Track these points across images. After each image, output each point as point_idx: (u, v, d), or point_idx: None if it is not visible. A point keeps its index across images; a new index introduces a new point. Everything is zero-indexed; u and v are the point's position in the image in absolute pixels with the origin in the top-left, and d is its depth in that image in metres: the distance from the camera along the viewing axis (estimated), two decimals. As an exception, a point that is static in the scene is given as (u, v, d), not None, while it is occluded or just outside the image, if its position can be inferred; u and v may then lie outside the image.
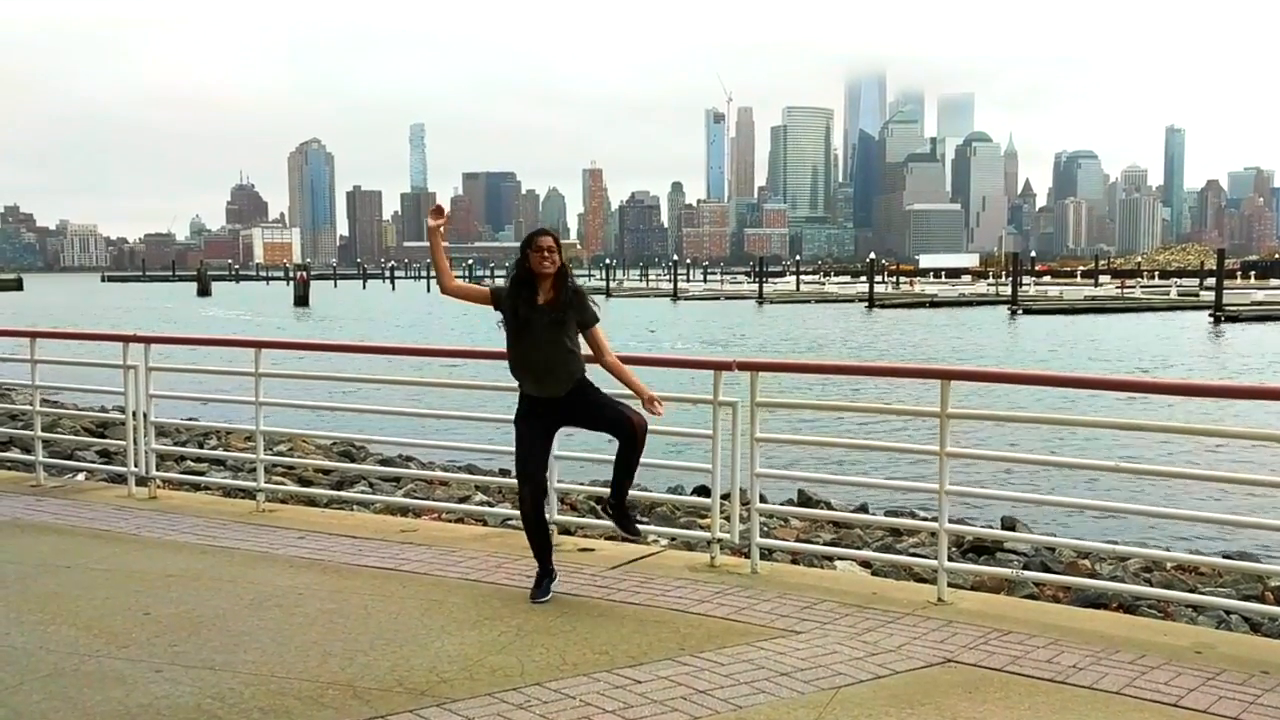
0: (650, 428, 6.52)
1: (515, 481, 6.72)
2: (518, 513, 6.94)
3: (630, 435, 6.45)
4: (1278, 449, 16.66)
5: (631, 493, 7.26)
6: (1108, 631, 6.04)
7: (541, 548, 6.64)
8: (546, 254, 6.38)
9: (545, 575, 6.63)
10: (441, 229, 6.76)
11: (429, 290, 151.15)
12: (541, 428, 6.61)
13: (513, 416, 6.66)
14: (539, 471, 6.59)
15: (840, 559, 9.46)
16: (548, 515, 7.03)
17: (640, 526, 7.21)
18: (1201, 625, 8.08)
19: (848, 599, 6.58)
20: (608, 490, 6.95)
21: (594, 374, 6.67)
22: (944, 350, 46.71)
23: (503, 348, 6.64)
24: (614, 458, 6.64)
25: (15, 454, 12.69)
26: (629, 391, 6.68)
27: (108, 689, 5.11)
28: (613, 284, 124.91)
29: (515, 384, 6.65)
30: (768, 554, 7.61)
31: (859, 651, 5.65)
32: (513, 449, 6.63)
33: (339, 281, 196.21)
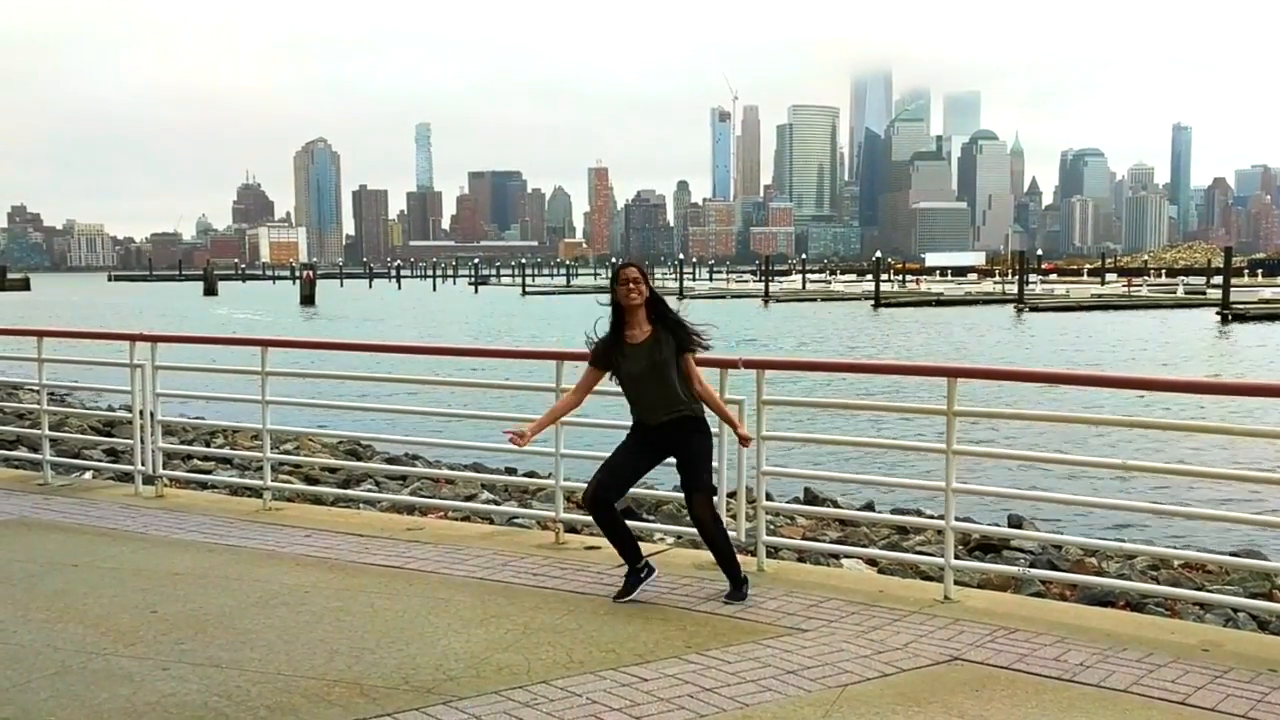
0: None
1: (522, 481, 6.73)
2: (524, 511, 6.95)
3: (696, 518, 6.50)
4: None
5: (636, 491, 7.26)
6: (1115, 629, 6.03)
7: (618, 541, 6.60)
8: (632, 285, 6.36)
9: (630, 573, 6.61)
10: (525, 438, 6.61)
11: (434, 290, 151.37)
12: (641, 447, 6.57)
13: (518, 415, 6.68)
14: (609, 476, 6.51)
15: (846, 557, 9.44)
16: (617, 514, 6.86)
17: (645, 525, 7.21)
18: (1209, 623, 8.05)
19: (854, 597, 6.57)
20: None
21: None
22: (949, 348, 46.64)
23: (504, 345, 6.65)
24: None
25: (23, 453, 12.72)
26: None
27: (115, 687, 5.12)
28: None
29: (520, 381, 6.67)
30: (774, 552, 7.61)
31: (865, 650, 5.64)
32: (515, 448, 6.61)
33: (345, 281, 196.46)
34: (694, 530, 9.06)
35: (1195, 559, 9.63)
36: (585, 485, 9.52)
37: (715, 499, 7.23)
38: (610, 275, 6.57)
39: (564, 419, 7.23)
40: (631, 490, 6.91)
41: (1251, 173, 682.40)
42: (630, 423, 6.64)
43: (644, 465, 6.65)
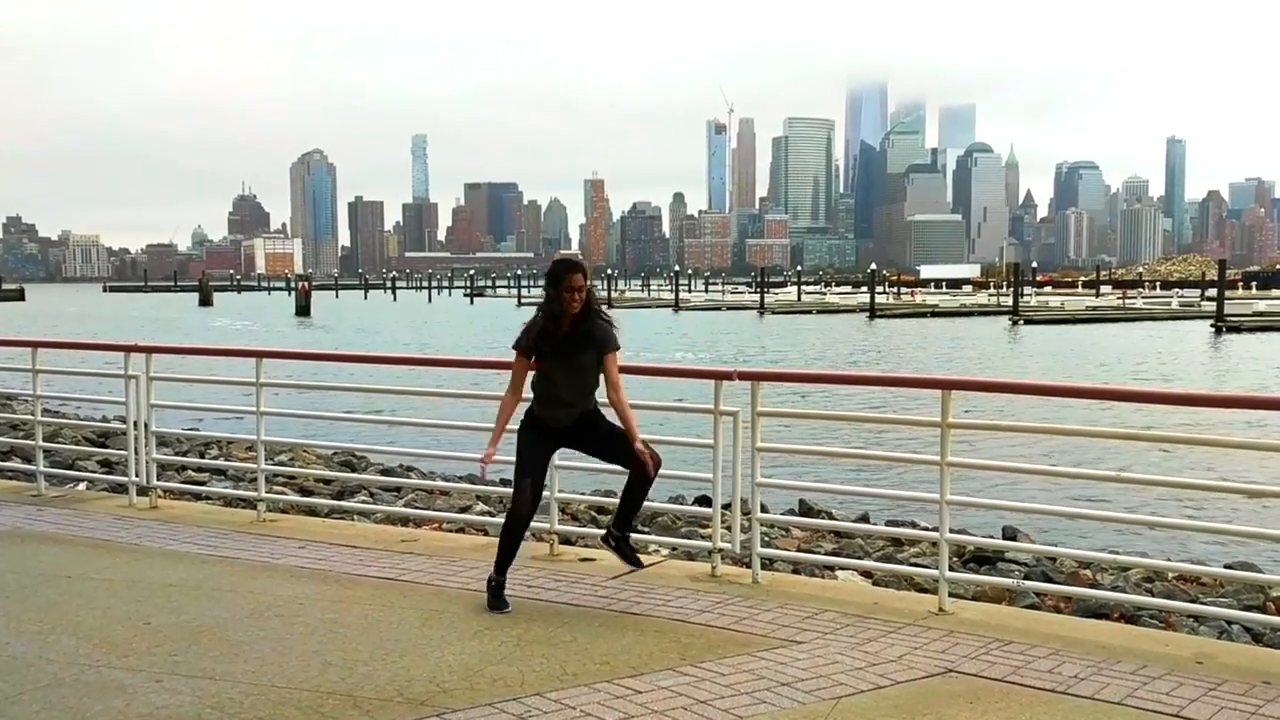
0: (651, 436, 6.52)
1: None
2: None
3: (644, 471, 6.49)
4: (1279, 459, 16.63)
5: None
6: (1109, 642, 6.03)
7: (512, 554, 6.62)
8: (578, 294, 6.37)
9: (503, 584, 6.61)
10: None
11: (430, 301, 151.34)
12: (547, 443, 6.69)
13: (512, 427, 6.67)
14: (541, 476, 6.66)
15: (841, 569, 9.45)
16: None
17: (640, 537, 7.21)
18: (1203, 635, 8.06)
19: (849, 609, 6.57)
20: (605, 503, 6.94)
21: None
22: (944, 360, 46.68)
23: (501, 356, 6.67)
24: (623, 488, 6.66)
25: (16, 464, 12.69)
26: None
27: (108, 699, 5.11)
28: (614, 294, 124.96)
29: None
30: (769, 564, 7.61)
31: (860, 662, 5.64)
32: (510, 459, 6.62)
33: (341, 292, 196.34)
34: (689, 542, 9.09)
35: (1190, 571, 9.63)
36: (575, 497, 9.52)
37: (710, 509, 7.24)
38: (549, 273, 6.47)
39: (555, 461, 7.22)
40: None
41: (1246, 186, 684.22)
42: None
43: (549, 459, 6.88)
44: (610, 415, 6.64)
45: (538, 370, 6.55)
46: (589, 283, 6.50)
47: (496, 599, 6.55)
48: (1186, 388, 30.81)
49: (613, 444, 6.55)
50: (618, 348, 6.49)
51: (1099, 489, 15.16)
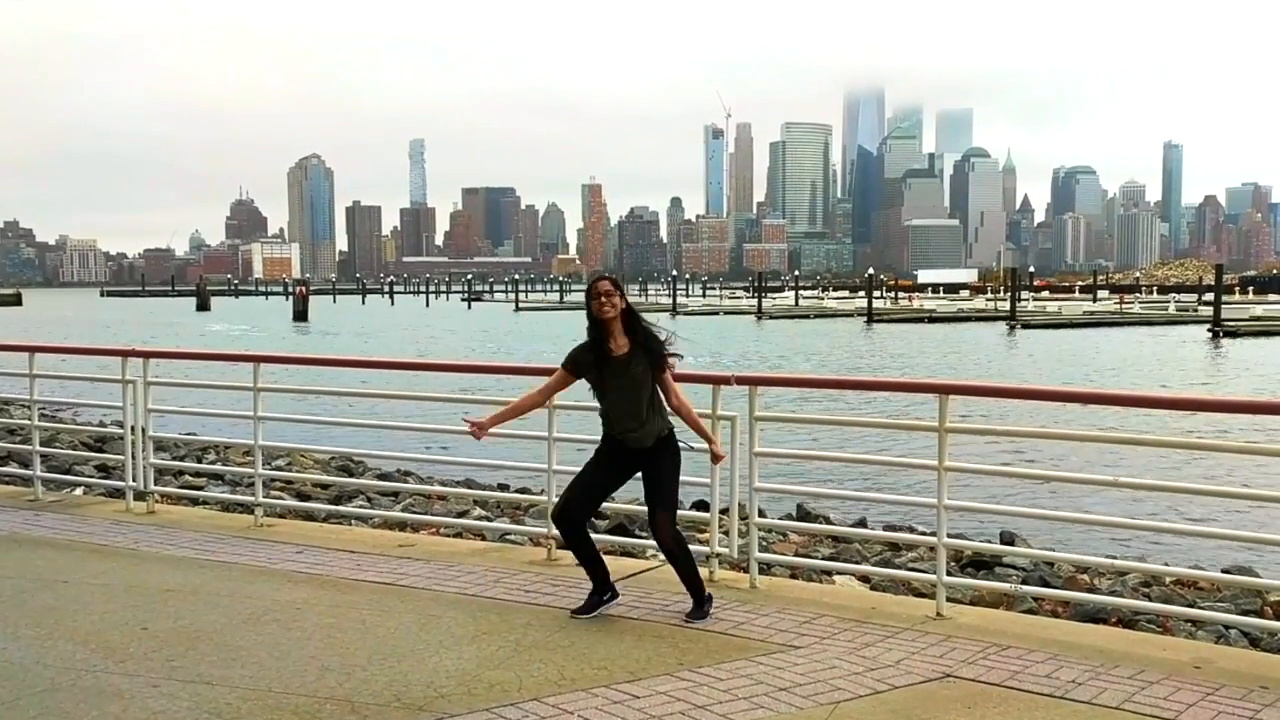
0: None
1: (513, 497, 6.70)
2: (516, 527, 6.92)
3: (659, 538, 6.46)
4: (1276, 463, 16.65)
5: (629, 507, 7.26)
6: (1107, 646, 6.03)
7: (583, 563, 6.58)
8: (605, 298, 6.34)
9: (593, 592, 6.59)
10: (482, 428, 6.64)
11: (428, 305, 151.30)
12: (612, 463, 6.52)
13: (510, 432, 6.66)
14: (580, 493, 6.48)
15: (839, 574, 9.45)
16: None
17: (637, 541, 7.18)
18: (1201, 640, 8.06)
19: (846, 614, 6.57)
20: (603, 508, 6.87)
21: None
22: (942, 365, 46.70)
23: (500, 361, 6.64)
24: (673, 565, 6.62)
25: (13, 468, 12.67)
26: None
27: (105, 704, 5.10)
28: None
29: (513, 397, 6.66)
30: (766, 569, 7.60)
31: (858, 667, 5.64)
32: (509, 464, 6.63)
33: (338, 296, 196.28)
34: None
35: (1187, 575, 9.64)
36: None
37: (708, 514, 7.24)
38: (586, 289, 6.55)
39: (557, 436, 7.22)
40: (625, 507, 6.91)
41: (1242, 190, 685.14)
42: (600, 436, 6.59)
43: (614, 482, 6.62)
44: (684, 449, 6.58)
45: (604, 401, 6.46)
46: (621, 292, 6.43)
47: (586, 604, 6.53)
48: (1184, 392, 30.82)
49: (660, 489, 6.41)
50: (667, 364, 6.40)
51: (1096, 493, 15.16)
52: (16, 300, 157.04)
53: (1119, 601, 8.18)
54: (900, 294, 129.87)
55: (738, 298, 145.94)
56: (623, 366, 6.34)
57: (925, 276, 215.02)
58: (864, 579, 9.47)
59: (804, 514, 13.81)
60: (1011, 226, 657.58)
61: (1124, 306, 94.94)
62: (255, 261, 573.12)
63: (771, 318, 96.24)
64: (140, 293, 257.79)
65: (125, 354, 9.77)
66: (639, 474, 6.52)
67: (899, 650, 5.90)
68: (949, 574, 7.11)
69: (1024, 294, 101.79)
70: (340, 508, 12.38)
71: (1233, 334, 63.39)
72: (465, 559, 7.94)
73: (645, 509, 6.61)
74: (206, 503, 10.92)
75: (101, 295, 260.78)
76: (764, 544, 8.05)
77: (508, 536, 9.35)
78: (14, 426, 17.25)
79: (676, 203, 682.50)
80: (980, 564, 11.00)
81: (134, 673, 5.52)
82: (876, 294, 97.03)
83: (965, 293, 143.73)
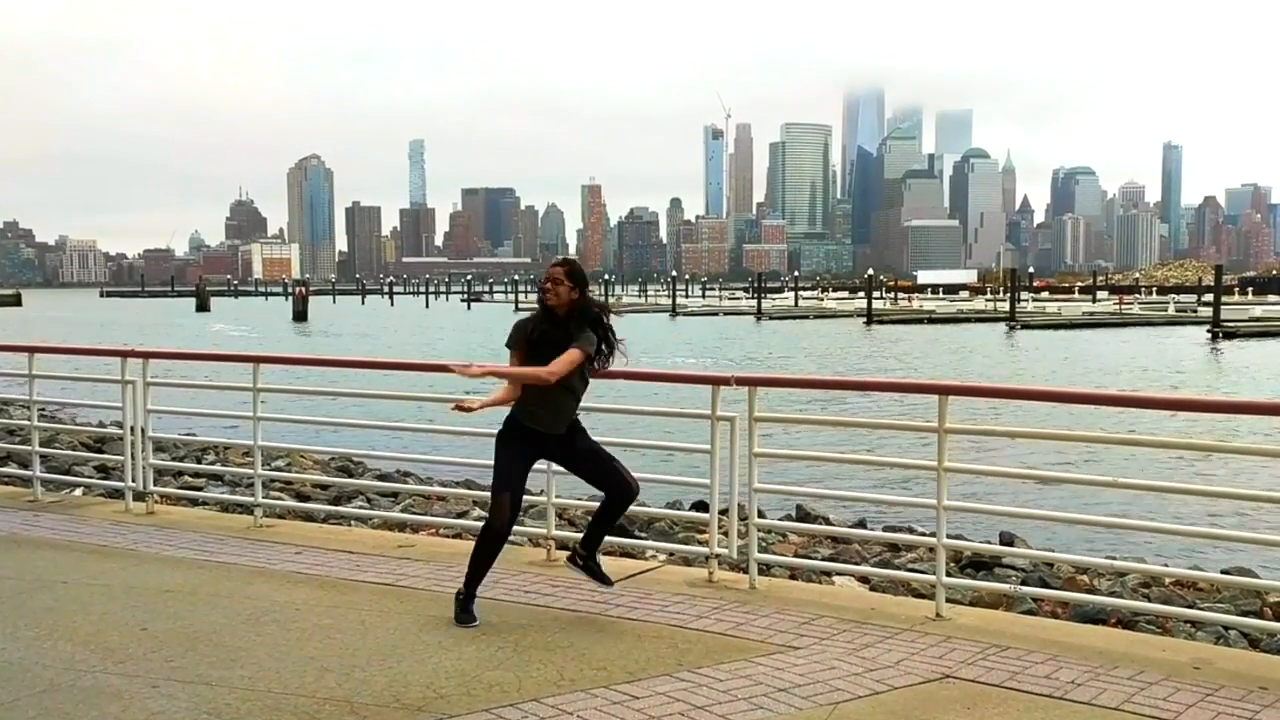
0: (649, 442, 6.51)
1: None
2: (515, 528, 6.88)
3: (624, 496, 6.44)
4: (1275, 464, 16.65)
5: (630, 508, 7.25)
6: (1106, 647, 6.03)
7: (485, 570, 6.41)
8: (549, 284, 6.30)
9: (472, 598, 6.40)
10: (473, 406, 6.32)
11: (427, 306, 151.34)
12: (530, 453, 6.49)
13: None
14: (521, 489, 6.47)
15: (838, 574, 9.45)
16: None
17: (637, 542, 7.18)
18: (1200, 641, 8.06)
19: (846, 614, 6.57)
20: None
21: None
22: (942, 365, 46.70)
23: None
24: (599, 507, 6.59)
25: (13, 469, 12.67)
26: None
27: (104, 705, 5.10)
28: (611, 300, 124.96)
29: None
30: (766, 569, 7.60)
31: (857, 667, 5.64)
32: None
33: (338, 297, 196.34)
34: (686, 548, 9.08)
35: (1187, 576, 9.64)
36: (572, 502, 9.49)
37: (708, 515, 7.22)
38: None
39: (554, 467, 7.19)
40: (631, 507, 6.88)
41: (1242, 191, 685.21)
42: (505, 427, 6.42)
43: (528, 471, 6.55)
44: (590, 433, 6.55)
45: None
46: (577, 284, 6.29)
47: (465, 613, 6.30)
48: (1182, 393, 30.81)
49: (598, 463, 6.41)
50: (582, 346, 6.18)
51: (1096, 494, 15.16)
52: (16, 301, 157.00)
53: (1118, 602, 8.18)
54: (900, 295, 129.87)
55: (737, 298, 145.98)
56: (549, 345, 6.18)
57: (925, 277, 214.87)
58: (863, 580, 9.48)
59: (803, 515, 13.82)
60: (1011, 227, 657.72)
61: (1123, 307, 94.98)
62: (255, 262, 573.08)
63: (771, 318, 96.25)
64: (140, 293, 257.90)
65: (125, 354, 9.76)
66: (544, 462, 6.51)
67: (898, 651, 5.90)
68: (948, 575, 7.10)
69: (1023, 295, 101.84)
70: (340, 508, 12.39)
71: (1232, 335, 63.43)
72: (465, 559, 7.89)
73: (643, 509, 6.61)
74: (206, 503, 10.92)
75: (101, 296, 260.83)
76: (763, 545, 8.05)
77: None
78: (13, 427, 17.26)
79: (676, 203, 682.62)
80: (980, 565, 11.01)
81: (133, 673, 5.52)
82: (876, 295, 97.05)
83: (965, 293, 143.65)
